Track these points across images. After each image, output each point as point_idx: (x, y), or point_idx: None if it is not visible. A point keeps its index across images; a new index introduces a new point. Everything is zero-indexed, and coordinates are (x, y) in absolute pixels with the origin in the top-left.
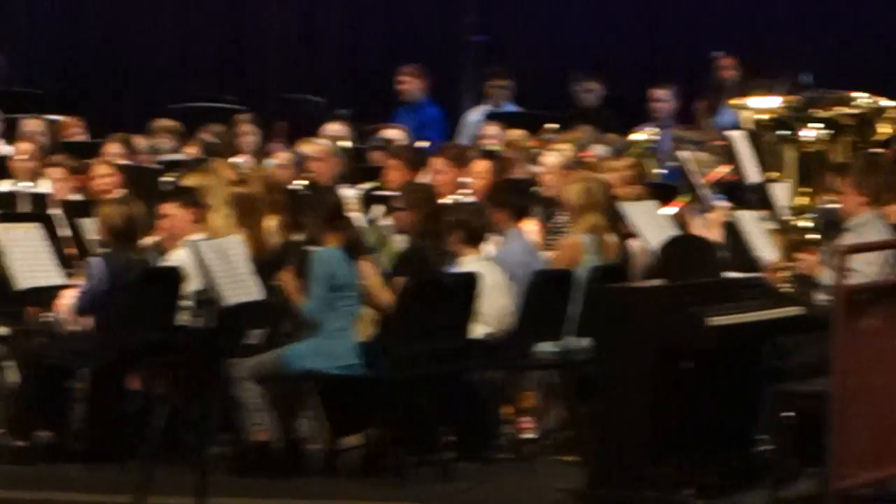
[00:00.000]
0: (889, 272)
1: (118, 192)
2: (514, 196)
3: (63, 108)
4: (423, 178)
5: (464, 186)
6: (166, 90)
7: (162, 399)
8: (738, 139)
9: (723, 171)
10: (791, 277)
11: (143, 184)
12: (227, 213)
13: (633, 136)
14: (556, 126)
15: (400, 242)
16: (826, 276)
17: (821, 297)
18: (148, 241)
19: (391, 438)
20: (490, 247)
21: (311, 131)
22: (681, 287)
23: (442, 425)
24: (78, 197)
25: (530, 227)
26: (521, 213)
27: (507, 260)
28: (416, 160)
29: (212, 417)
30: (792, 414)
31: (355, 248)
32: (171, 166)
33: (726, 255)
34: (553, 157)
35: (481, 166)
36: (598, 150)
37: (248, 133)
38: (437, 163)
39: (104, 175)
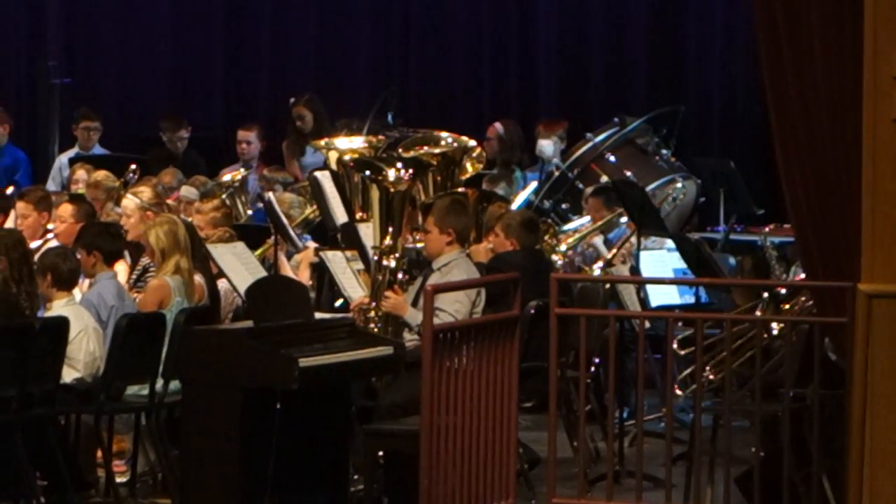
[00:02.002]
0: (475, 311)
1: None
2: (104, 239)
3: None
4: (9, 222)
5: (49, 231)
6: None
7: None
8: (324, 179)
9: (310, 210)
10: (379, 317)
11: None
12: None
13: (221, 178)
14: (135, 167)
15: None
16: (414, 315)
17: (409, 337)
18: None
19: None
20: (79, 291)
21: None
22: (269, 329)
23: (34, 470)
24: None
25: (120, 270)
26: (111, 257)
27: (98, 303)
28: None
29: None
30: (382, 453)
31: None
32: None
33: (315, 295)
34: (131, 200)
35: (66, 210)
36: (185, 191)
37: None
38: (21, 207)
39: None
